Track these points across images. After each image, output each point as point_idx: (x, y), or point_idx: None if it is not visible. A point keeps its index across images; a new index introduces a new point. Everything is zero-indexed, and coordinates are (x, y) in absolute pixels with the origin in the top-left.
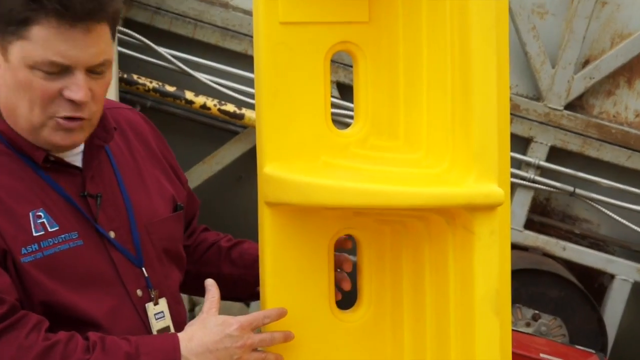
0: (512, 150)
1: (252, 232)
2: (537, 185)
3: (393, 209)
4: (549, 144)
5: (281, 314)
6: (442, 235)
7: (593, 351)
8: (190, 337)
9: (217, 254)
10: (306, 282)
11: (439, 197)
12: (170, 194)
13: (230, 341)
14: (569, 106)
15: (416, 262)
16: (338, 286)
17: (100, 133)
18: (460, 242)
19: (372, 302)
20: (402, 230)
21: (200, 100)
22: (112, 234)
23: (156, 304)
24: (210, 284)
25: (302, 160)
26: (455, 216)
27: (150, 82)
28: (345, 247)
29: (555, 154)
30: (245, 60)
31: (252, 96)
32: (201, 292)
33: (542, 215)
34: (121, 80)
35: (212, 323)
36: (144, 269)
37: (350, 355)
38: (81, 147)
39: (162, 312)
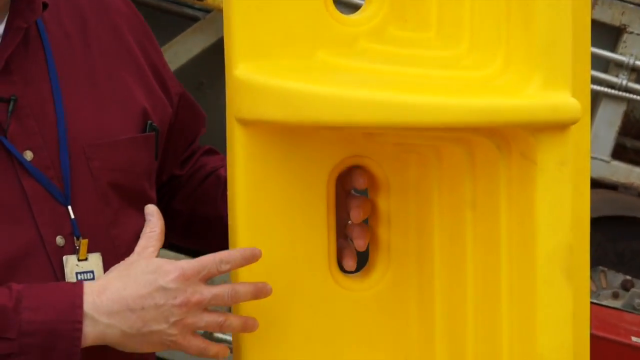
0: (595, 44)
1: None
2: (631, 96)
3: (421, 128)
4: None
5: (249, 257)
6: (491, 166)
7: None
8: (103, 289)
9: (215, 186)
10: (295, 233)
11: (487, 112)
12: (140, 107)
13: (165, 296)
14: None
15: (453, 206)
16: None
17: (22, 9)
18: (518, 176)
19: (390, 263)
20: (433, 159)
21: None
22: (28, 155)
23: (83, 258)
24: (151, 212)
25: (289, 59)
26: (509, 139)
27: None
28: (357, 187)
29: None
30: None
31: None
32: (198, 241)
33: (639, 138)
34: None
35: (140, 269)
36: (70, 207)
37: (358, 336)
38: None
39: (92, 271)
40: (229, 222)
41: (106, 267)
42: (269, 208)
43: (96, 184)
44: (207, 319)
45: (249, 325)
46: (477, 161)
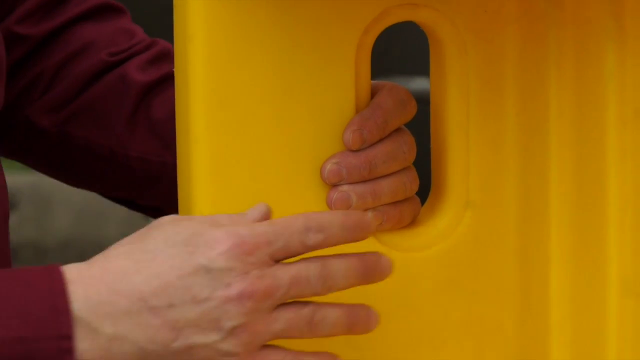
0: None
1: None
2: None
3: None
4: None
5: (357, 224)
6: None
7: None
8: (101, 273)
9: (118, 93)
10: (299, 153)
11: None
12: None
13: (210, 283)
14: None
15: (587, 90)
16: None
17: None
18: None
19: (468, 204)
20: (550, 10)
21: None
22: None
23: None
24: None
25: None
26: None
27: None
28: None
29: None
30: None
31: None
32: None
33: None
34: None
35: (163, 238)
36: None
37: (405, 323)
38: None
39: None
40: (178, 143)
41: None
42: (252, 110)
43: None
44: (285, 317)
45: (359, 318)
46: (626, 24)
